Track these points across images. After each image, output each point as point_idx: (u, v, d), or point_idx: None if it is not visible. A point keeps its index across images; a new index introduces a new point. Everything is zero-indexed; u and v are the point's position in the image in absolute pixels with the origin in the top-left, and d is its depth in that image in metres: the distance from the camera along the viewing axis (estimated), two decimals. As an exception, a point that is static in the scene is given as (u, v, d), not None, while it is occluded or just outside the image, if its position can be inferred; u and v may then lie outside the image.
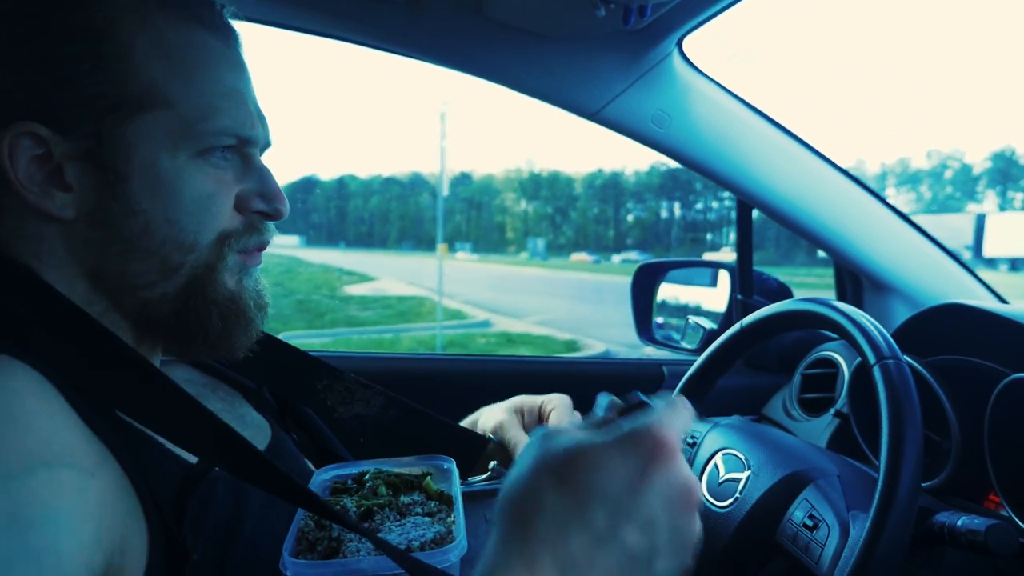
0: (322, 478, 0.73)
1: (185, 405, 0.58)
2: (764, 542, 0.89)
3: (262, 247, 0.70)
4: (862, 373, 1.26)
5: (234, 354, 0.69)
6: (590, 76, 1.22)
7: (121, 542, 0.53)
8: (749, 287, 1.50)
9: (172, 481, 0.60)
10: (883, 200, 1.38)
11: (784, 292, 1.55)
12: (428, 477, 0.71)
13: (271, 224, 0.70)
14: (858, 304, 1.43)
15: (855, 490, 0.91)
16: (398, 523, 0.63)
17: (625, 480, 0.45)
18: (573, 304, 18.18)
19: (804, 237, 1.39)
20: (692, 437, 1.06)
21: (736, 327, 1.09)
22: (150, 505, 0.56)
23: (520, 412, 0.92)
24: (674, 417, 0.49)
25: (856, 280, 1.46)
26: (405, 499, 0.67)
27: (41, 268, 0.61)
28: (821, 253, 1.46)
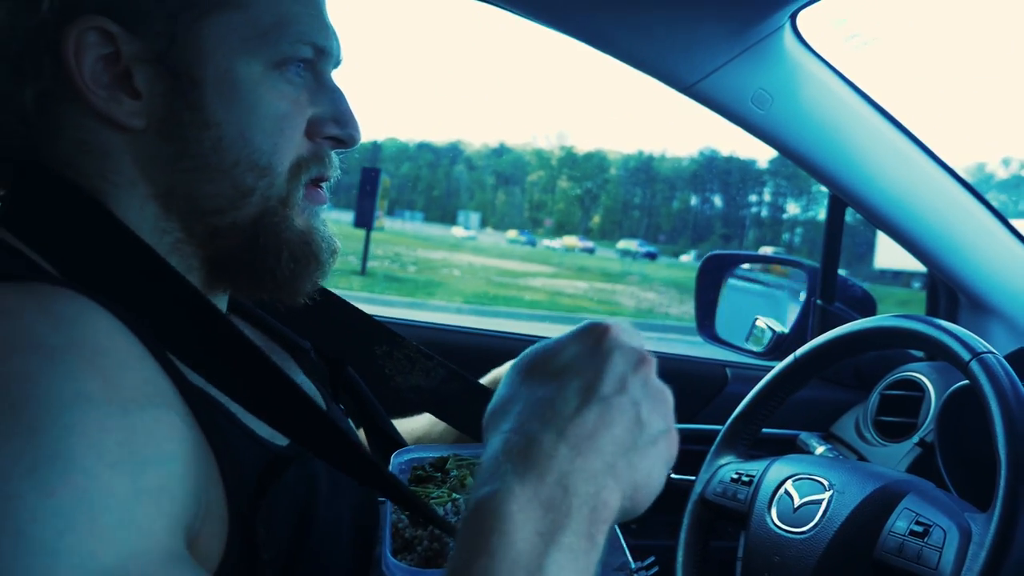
0: (398, 461, 0.68)
1: (271, 373, 0.54)
2: (859, 561, 0.82)
3: (323, 180, 0.65)
4: (956, 400, 1.15)
5: (297, 298, 0.65)
6: (692, 44, 1.11)
7: (205, 506, 0.50)
8: (831, 292, 1.38)
9: (249, 461, 0.55)
10: (994, 210, 1.25)
11: (868, 303, 1.43)
12: None
13: (336, 158, 0.66)
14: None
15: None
16: None
17: (585, 352, 0.50)
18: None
19: (900, 242, 1.27)
20: (749, 475, 0.97)
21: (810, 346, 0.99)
22: (230, 477, 0.52)
23: None
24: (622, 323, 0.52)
25: (952, 297, 1.33)
26: None
27: (110, 190, 0.57)
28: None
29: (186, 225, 0.59)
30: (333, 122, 0.64)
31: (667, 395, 0.51)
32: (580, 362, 0.49)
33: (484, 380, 0.91)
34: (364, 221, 11.57)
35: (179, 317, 0.54)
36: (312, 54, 0.61)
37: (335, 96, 0.64)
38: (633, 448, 0.48)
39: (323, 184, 0.66)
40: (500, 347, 1.45)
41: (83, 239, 0.55)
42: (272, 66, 0.59)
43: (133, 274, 0.54)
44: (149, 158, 0.57)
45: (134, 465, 0.43)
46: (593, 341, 0.50)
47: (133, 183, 0.57)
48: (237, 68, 0.57)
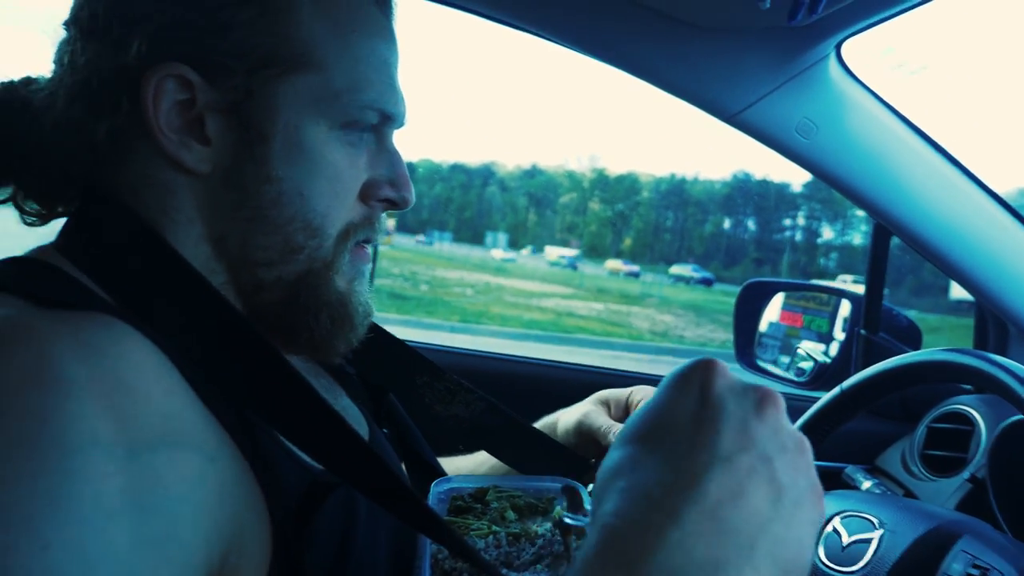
0: (437, 491, 0.68)
1: (318, 407, 0.54)
2: None
3: (369, 241, 0.67)
4: (1009, 435, 1.12)
5: (331, 358, 0.67)
6: (736, 74, 1.11)
7: (239, 538, 0.49)
8: (875, 321, 1.36)
9: (293, 485, 0.55)
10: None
11: (913, 333, 1.40)
12: (558, 507, 0.65)
13: (384, 221, 0.67)
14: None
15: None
16: (547, 564, 0.58)
17: (690, 405, 0.42)
18: None
19: (948, 272, 1.25)
20: None
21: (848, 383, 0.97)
22: (274, 502, 0.52)
23: (606, 404, 0.86)
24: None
25: (1002, 328, 1.31)
26: (538, 529, 0.62)
27: (168, 224, 0.58)
28: (958, 293, 1.32)
29: (233, 272, 0.60)
30: (389, 185, 0.65)
31: (804, 443, 0.42)
32: (686, 418, 0.41)
33: (543, 422, 0.91)
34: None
35: (227, 346, 0.54)
36: (379, 119, 0.62)
37: (394, 160, 0.65)
38: (775, 519, 0.38)
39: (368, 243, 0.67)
40: (550, 376, 1.45)
41: (139, 265, 0.55)
42: (338, 127, 0.60)
43: (184, 301, 0.55)
44: (209, 202, 0.58)
45: (136, 514, 0.43)
46: (696, 389, 0.41)
47: (191, 221, 0.58)
48: (305, 127, 0.58)
